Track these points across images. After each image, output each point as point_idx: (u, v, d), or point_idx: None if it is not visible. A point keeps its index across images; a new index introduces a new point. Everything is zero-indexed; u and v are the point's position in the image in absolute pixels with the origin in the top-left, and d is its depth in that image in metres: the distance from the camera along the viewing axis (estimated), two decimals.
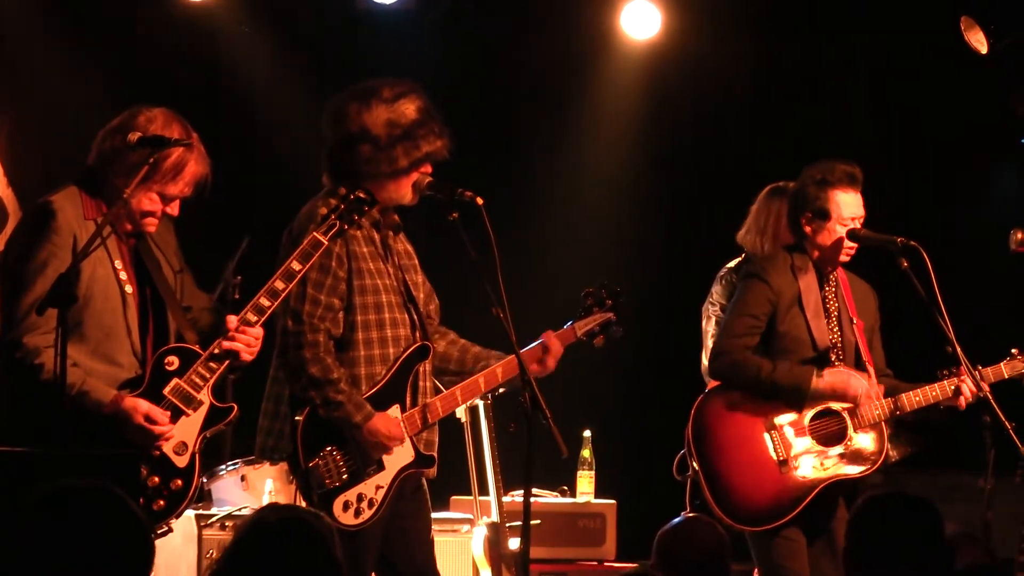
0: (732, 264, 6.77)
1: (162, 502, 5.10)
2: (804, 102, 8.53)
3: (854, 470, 6.06)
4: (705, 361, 6.70)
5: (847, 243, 6.11)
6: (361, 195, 5.27)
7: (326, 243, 5.23)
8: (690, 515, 5.94)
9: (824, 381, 6.03)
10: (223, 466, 6.68)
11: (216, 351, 5.13)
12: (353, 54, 8.08)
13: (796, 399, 6.05)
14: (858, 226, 6.13)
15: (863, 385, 6.06)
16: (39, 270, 5.02)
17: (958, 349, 6.02)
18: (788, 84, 8.58)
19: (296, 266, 5.19)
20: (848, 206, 6.12)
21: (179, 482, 5.13)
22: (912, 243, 6.05)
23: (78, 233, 5.07)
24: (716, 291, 6.78)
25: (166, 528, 5.13)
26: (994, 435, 6.12)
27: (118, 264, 5.16)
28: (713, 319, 6.71)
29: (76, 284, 4.90)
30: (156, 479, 5.09)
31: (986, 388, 6.06)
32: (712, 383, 6.31)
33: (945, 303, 5.95)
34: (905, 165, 8.44)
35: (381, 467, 5.36)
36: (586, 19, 8.50)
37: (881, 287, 6.34)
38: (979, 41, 7.57)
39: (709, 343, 6.69)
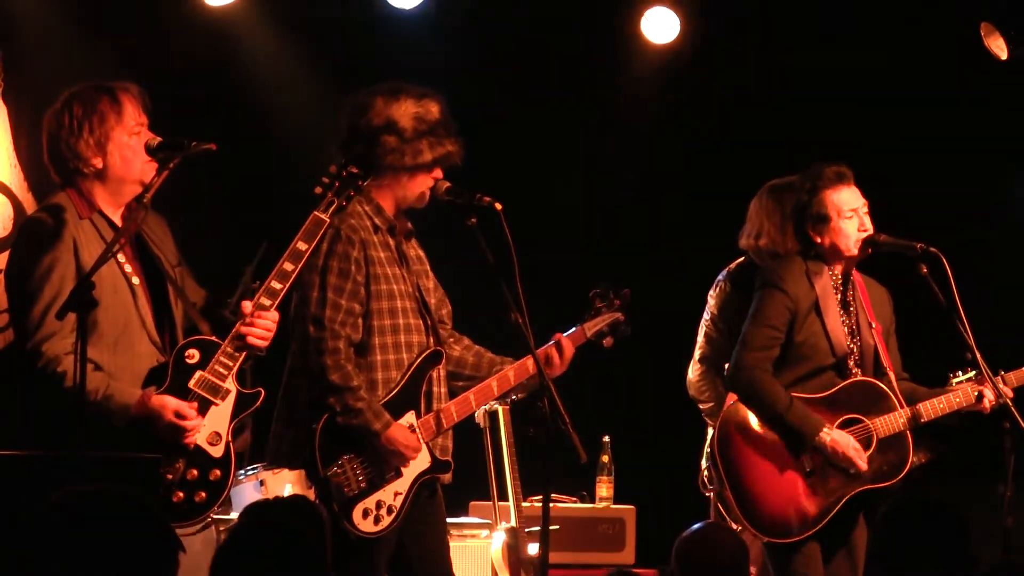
0: (733, 266, 6.70)
1: (203, 494, 5.14)
2: (823, 108, 8.50)
3: (880, 480, 6.02)
4: (691, 375, 6.65)
5: (857, 232, 6.06)
6: (354, 170, 5.27)
7: (328, 220, 5.24)
8: (710, 521, 5.93)
9: (830, 441, 5.96)
10: (242, 471, 6.67)
11: (235, 339, 5.15)
12: (373, 59, 8.09)
13: (797, 444, 6.00)
14: (864, 214, 6.09)
15: (864, 465, 5.99)
16: (45, 277, 5.06)
17: (978, 356, 5.99)
18: (806, 90, 8.55)
19: (302, 246, 5.19)
20: (845, 201, 6.08)
21: (217, 472, 5.16)
22: (932, 249, 6.02)
23: (77, 235, 5.13)
24: (711, 295, 6.71)
25: (210, 520, 5.18)
26: (1014, 441, 6.09)
27: (121, 258, 5.18)
28: (703, 330, 6.65)
29: (92, 288, 4.90)
30: (195, 472, 5.12)
31: (1009, 393, 6.04)
32: (698, 398, 6.40)
33: (966, 307, 5.92)
34: (926, 170, 8.41)
35: (399, 474, 5.36)
36: (605, 23, 8.49)
37: (899, 291, 6.32)
38: (999, 47, 7.55)
39: (697, 354, 6.66)
